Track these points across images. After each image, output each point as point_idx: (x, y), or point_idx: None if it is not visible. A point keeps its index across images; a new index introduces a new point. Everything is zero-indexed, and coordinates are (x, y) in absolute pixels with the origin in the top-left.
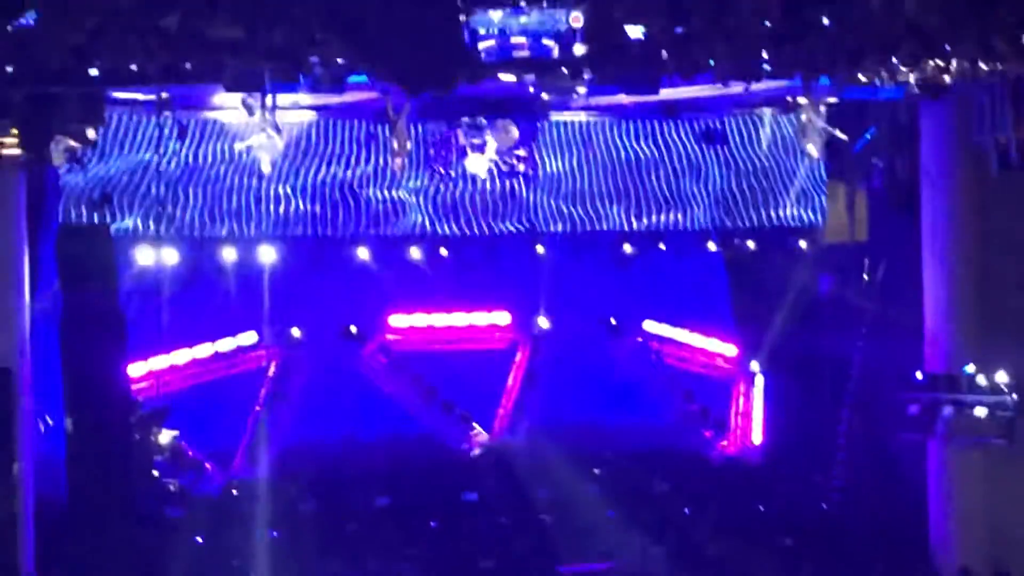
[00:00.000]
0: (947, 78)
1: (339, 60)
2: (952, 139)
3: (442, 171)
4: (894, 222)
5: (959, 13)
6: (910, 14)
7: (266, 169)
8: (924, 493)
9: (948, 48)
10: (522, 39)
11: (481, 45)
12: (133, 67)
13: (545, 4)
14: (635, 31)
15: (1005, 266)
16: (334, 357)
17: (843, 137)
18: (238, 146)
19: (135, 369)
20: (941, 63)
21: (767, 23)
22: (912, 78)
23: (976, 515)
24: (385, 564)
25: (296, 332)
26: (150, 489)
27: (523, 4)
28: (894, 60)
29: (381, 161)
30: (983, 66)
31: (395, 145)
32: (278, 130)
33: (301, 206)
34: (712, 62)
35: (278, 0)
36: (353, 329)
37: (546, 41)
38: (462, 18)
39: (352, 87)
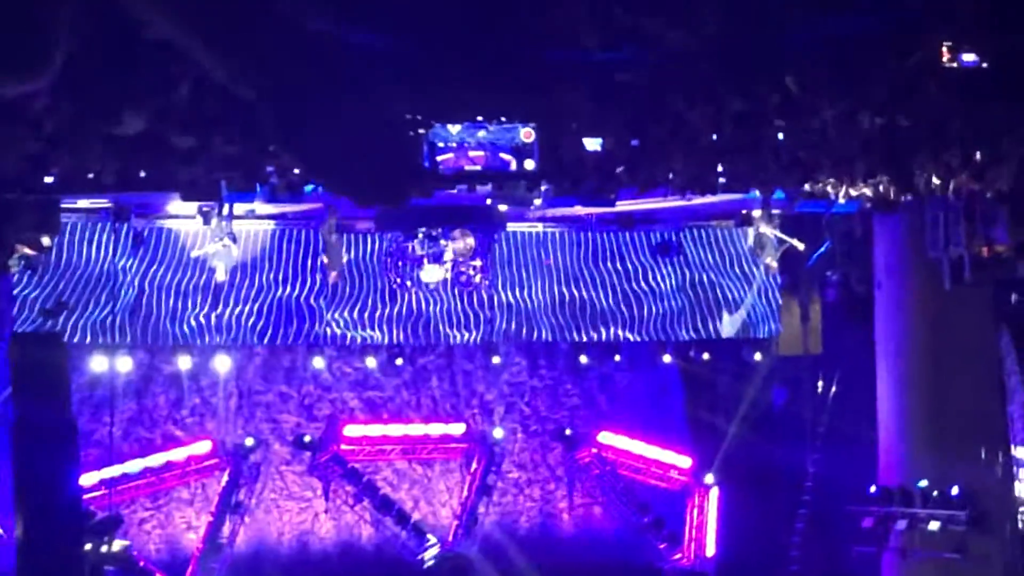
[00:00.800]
0: (901, 193)
1: (295, 171)
2: (906, 253)
3: (398, 281)
4: (848, 335)
5: (913, 129)
6: (864, 129)
7: (221, 277)
8: None
9: (902, 164)
10: (480, 153)
11: (439, 158)
12: (89, 175)
13: (503, 119)
14: (592, 144)
15: (958, 380)
16: (287, 467)
17: (799, 246)
18: (195, 254)
19: (87, 478)
20: (895, 178)
21: (723, 136)
22: (866, 192)
23: None
24: None
25: (250, 441)
26: None
27: (480, 119)
28: (848, 174)
29: (344, 267)
30: (937, 182)
31: (325, 259)
32: (234, 239)
33: (256, 314)
34: (668, 175)
35: (234, 110)
36: (307, 438)
37: (504, 155)
38: (420, 131)
39: (310, 197)
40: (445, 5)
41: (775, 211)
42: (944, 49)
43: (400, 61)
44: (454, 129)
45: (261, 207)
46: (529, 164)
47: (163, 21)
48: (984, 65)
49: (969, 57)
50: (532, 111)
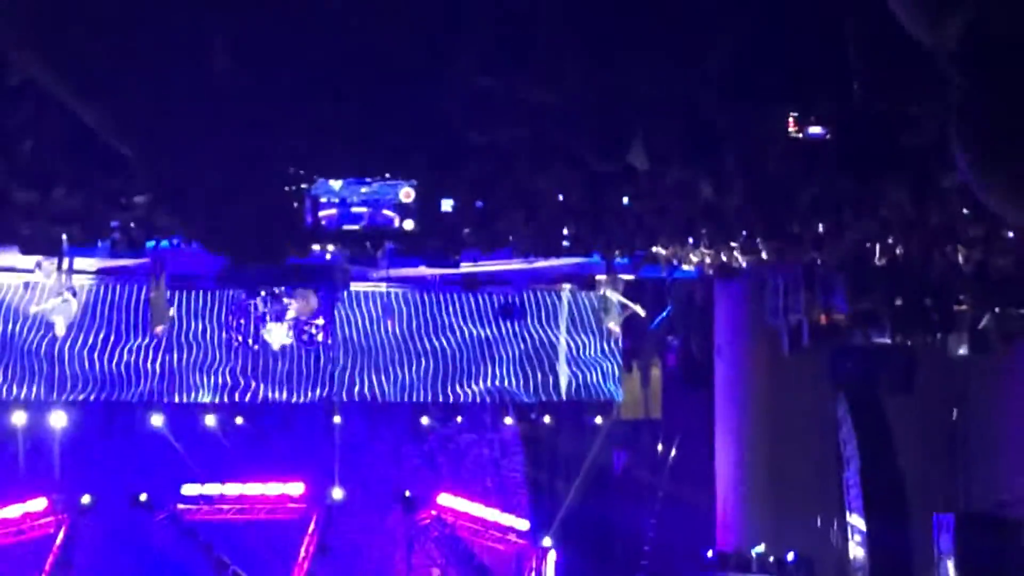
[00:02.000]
0: (742, 260)
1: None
2: (746, 319)
3: (239, 339)
4: (688, 399)
5: (754, 199)
6: (707, 198)
7: (60, 332)
8: None
9: (743, 232)
10: (363, 209)
11: (322, 213)
12: None
13: (387, 176)
14: (446, 204)
15: (795, 446)
16: (124, 525)
17: (641, 312)
18: (33, 309)
19: None
20: (736, 246)
21: (568, 199)
22: (707, 259)
23: None
24: None
25: (86, 499)
26: None
27: (362, 176)
28: (690, 241)
29: (177, 326)
30: (777, 249)
31: (151, 314)
32: (74, 293)
33: (93, 370)
34: (511, 237)
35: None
36: (143, 497)
37: (387, 211)
38: (303, 186)
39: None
40: (330, 54)
41: (620, 276)
42: (791, 120)
43: (282, 114)
44: (336, 184)
45: (101, 262)
46: (408, 224)
47: (34, 67)
48: (828, 137)
49: (815, 129)
50: (412, 169)
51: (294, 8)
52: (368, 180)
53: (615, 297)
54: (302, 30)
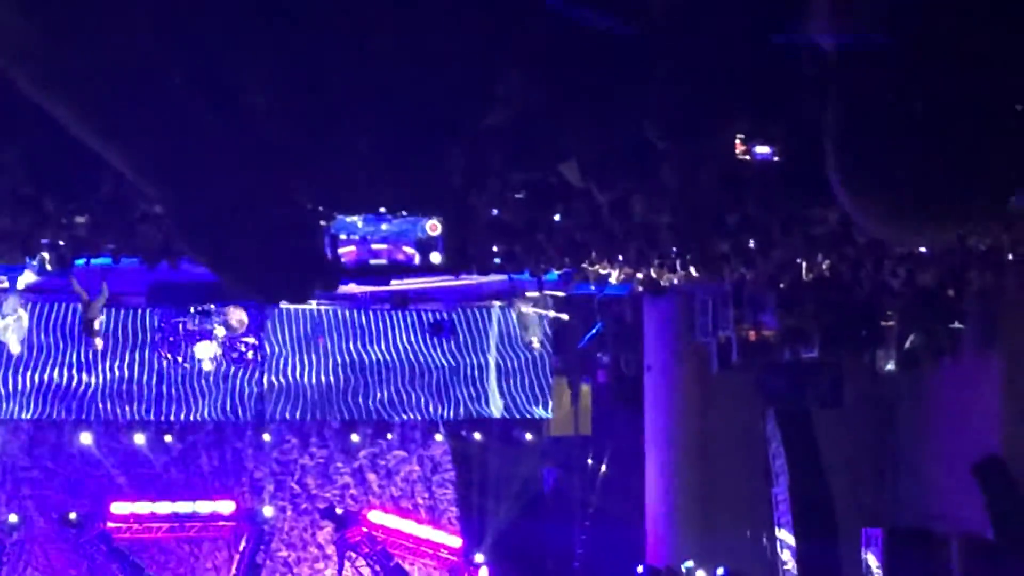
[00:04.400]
0: (671, 277)
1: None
2: (675, 336)
3: (169, 357)
4: (618, 416)
5: (684, 217)
6: (637, 215)
7: (15, 350)
8: None
9: (672, 249)
10: (383, 246)
11: (341, 251)
12: None
13: (405, 213)
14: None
15: (725, 462)
16: (52, 544)
17: (564, 317)
18: None
19: None
20: (665, 263)
21: (500, 216)
22: (637, 275)
23: None
24: None
25: (13, 518)
26: None
27: (383, 211)
28: (620, 258)
29: (106, 343)
30: (706, 268)
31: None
32: (27, 310)
33: (23, 388)
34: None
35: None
36: (72, 516)
37: (407, 248)
38: (322, 223)
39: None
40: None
41: (547, 292)
42: (737, 140)
43: (300, 151)
44: (357, 221)
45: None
46: (435, 257)
47: (55, 104)
48: (776, 159)
49: (763, 149)
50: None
51: (313, 44)
52: (388, 216)
53: (533, 312)
54: (322, 65)
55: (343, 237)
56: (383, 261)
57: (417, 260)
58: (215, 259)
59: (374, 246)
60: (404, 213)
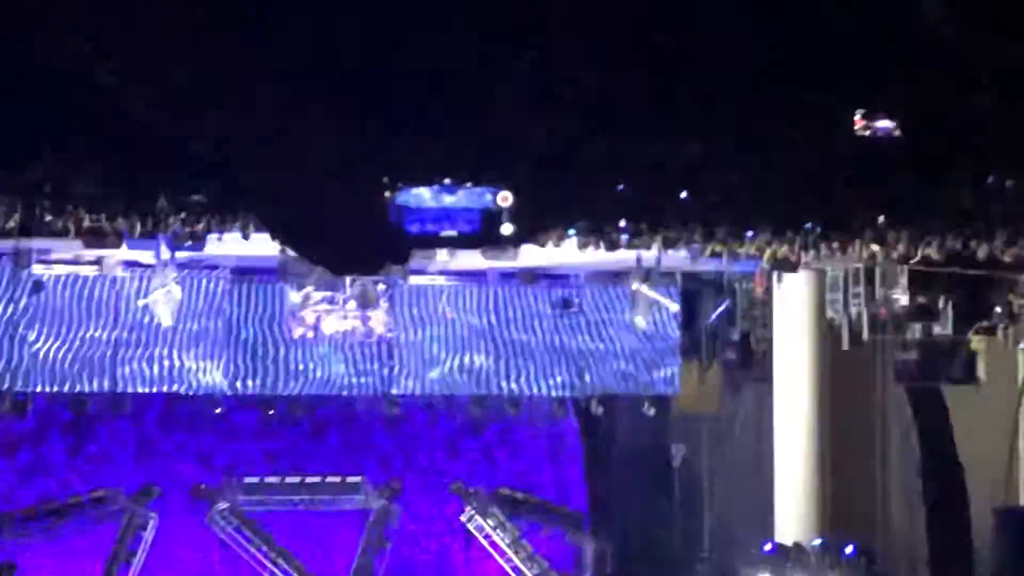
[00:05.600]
0: (802, 254)
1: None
2: (805, 312)
3: (299, 331)
4: (746, 393)
5: (813, 192)
6: (767, 190)
7: (167, 322)
8: None
9: (804, 225)
10: (449, 217)
11: (408, 222)
12: None
13: (470, 183)
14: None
15: (855, 439)
16: (186, 516)
17: (673, 307)
18: (141, 302)
19: None
20: (796, 239)
21: (627, 191)
22: (767, 252)
23: None
24: None
25: (150, 490)
26: None
27: (448, 182)
28: (749, 234)
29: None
30: (837, 244)
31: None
32: (180, 283)
33: (157, 364)
34: (569, 229)
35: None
36: (204, 488)
37: (473, 219)
38: (388, 194)
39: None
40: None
41: (675, 269)
42: (857, 116)
43: (367, 121)
44: (424, 193)
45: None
46: (507, 228)
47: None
48: (897, 133)
49: (884, 123)
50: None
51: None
52: (456, 186)
53: (649, 292)
54: (390, 36)
55: (410, 209)
56: (453, 233)
57: (484, 231)
58: (286, 233)
59: (440, 218)
60: (469, 184)
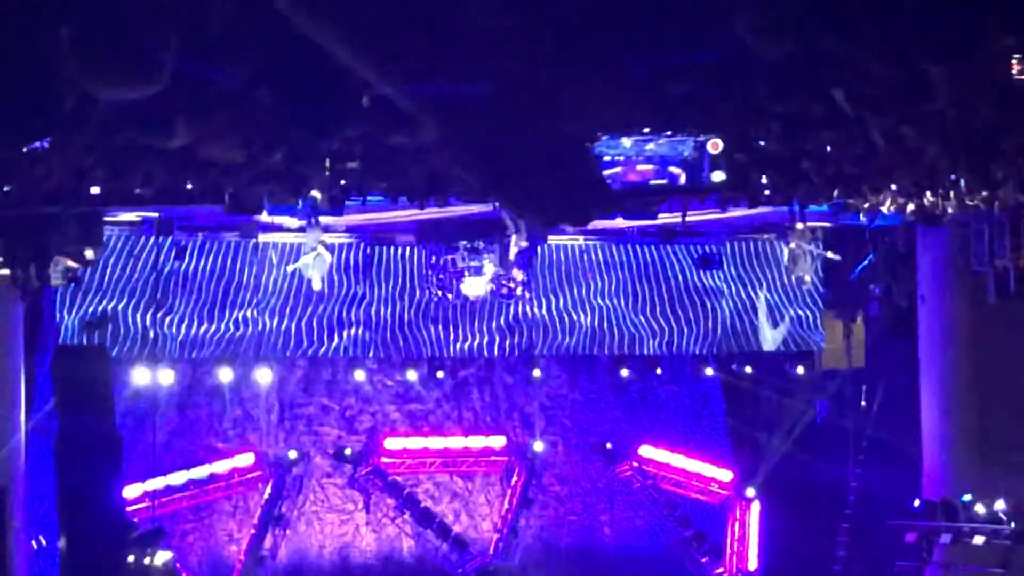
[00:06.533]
0: (946, 206)
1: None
2: (950, 266)
3: (439, 293)
4: (891, 349)
5: (959, 142)
6: (910, 142)
7: (316, 286)
8: None
9: (947, 177)
10: (649, 167)
11: (607, 172)
12: (134, 188)
13: (670, 132)
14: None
15: (1002, 394)
16: (329, 479)
17: (836, 257)
18: (290, 268)
19: (130, 490)
20: (940, 191)
21: (767, 146)
22: (910, 205)
23: None
24: None
25: (292, 454)
26: None
27: (647, 131)
28: (892, 187)
29: (384, 280)
30: (982, 195)
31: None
32: (328, 248)
33: (298, 327)
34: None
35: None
36: (348, 451)
37: (673, 169)
38: (588, 144)
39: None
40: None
41: (815, 224)
42: (1014, 61)
43: (573, 72)
44: (626, 142)
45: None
46: (718, 175)
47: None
48: None
49: None
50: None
51: None
52: (653, 136)
53: (806, 247)
54: None
55: (607, 158)
56: (663, 181)
57: (683, 180)
58: (494, 187)
59: (639, 167)
60: (669, 133)
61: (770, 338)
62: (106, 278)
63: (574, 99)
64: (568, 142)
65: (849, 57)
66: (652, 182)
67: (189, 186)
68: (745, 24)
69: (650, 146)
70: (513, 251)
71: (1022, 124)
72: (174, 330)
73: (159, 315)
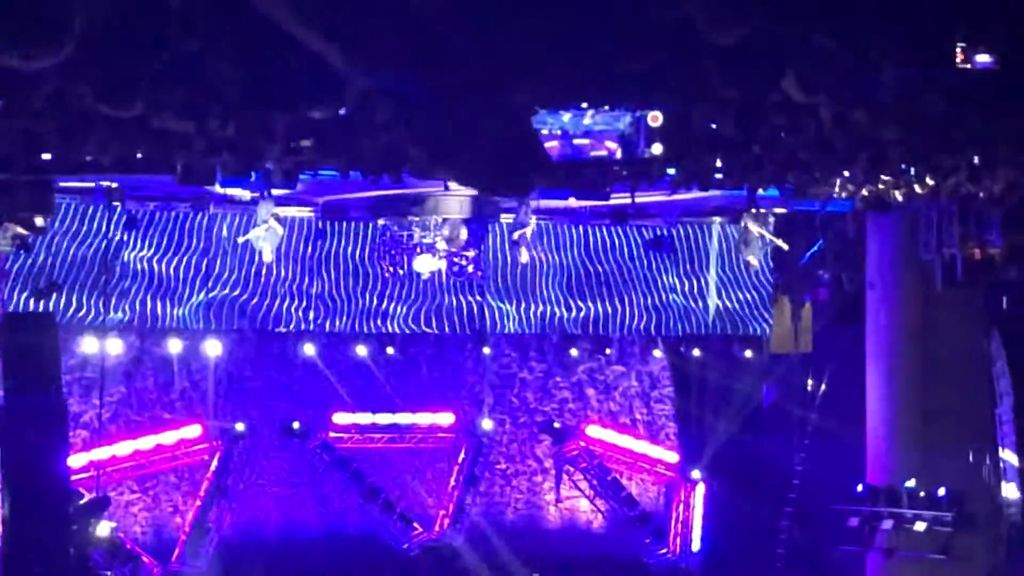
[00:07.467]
0: (896, 193)
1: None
2: (898, 253)
3: (391, 270)
4: (839, 334)
5: (911, 131)
6: (862, 129)
7: (268, 258)
8: None
9: (898, 165)
10: (585, 140)
11: (545, 145)
12: (86, 156)
13: (607, 107)
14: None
15: (948, 381)
16: (276, 453)
17: (784, 246)
18: (241, 239)
19: (75, 460)
20: (890, 179)
21: (719, 131)
22: (861, 192)
23: None
24: None
25: (240, 426)
26: None
27: (585, 106)
28: (844, 174)
29: (329, 255)
30: (932, 183)
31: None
32: (280, 220)
33: (247, 300)
34: (665, 169)
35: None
36: (296, 425)
37: (609, 143)
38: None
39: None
40: None
41: (765, 209)
42: (958, 50)
43: (517, 41)
44: (565, 116)
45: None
46: (656, 148)
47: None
48: (996, 68)
49: (983, 58)
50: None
51: None
52: (588, 110)
53: (758, 231)
54: None
55: (544, 132)
56: (603, 153)
57: (619, 155)
58: (438, 154)
59: (576, 140)
60: (607, 107)
61: (714, 317)
62: (54, 246)
63: (518, 70)
64: (510, 112)
65: (802, 42)
66: (593, 153)
67: (141, 155)
68: (698, 7)
69: (587, 120)
70: (463, 229)
71: (971, 113)
72: (123, 300)
73: (108, 285)
